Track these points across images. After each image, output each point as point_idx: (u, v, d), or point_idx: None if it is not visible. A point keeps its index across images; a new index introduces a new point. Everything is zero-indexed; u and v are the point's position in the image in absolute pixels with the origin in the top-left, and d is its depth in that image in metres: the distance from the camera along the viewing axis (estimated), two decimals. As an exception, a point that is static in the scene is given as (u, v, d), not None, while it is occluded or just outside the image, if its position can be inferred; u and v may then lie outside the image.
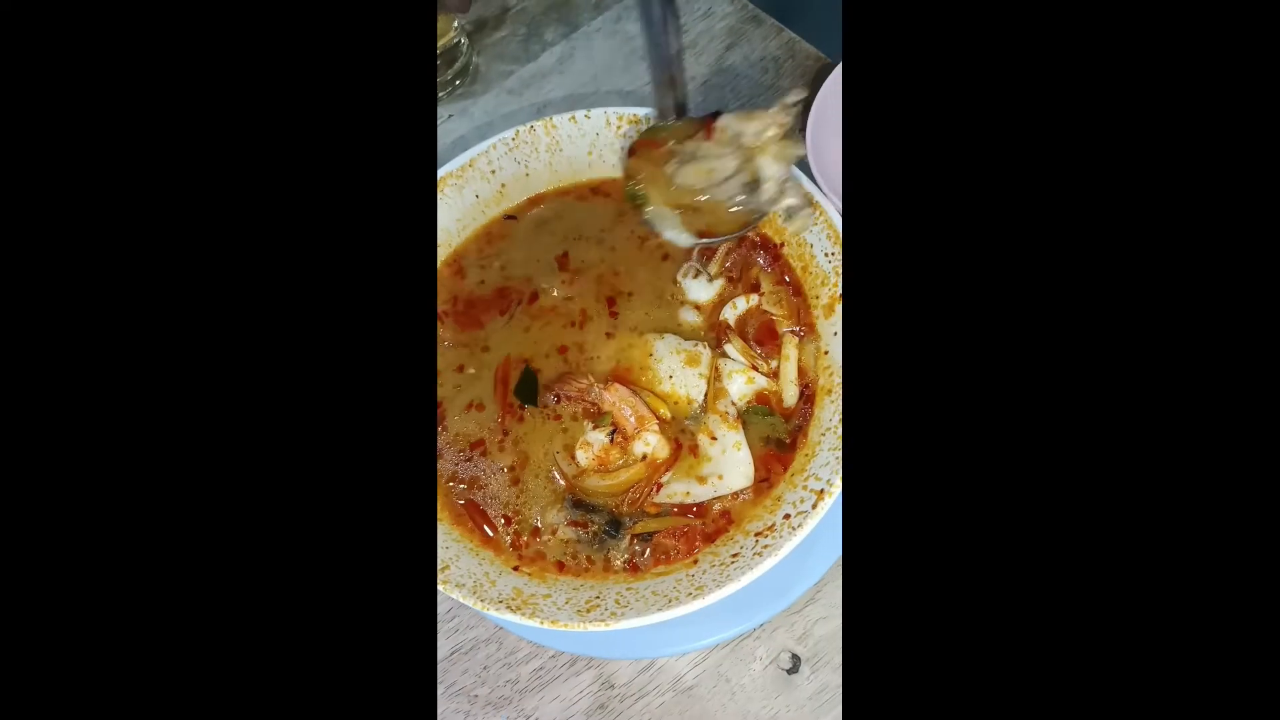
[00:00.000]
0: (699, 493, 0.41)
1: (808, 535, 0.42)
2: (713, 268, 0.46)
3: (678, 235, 0.42)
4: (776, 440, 0.42)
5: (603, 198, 0.50)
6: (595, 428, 0.42)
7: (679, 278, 0.47)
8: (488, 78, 0.63)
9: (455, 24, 0.60)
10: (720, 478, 0.42)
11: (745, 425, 0.43)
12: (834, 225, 0.42)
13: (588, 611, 0.36)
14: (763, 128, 0.41)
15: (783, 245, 0.46)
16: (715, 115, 0.43)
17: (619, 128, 0.48)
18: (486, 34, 0.65)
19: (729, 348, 0.44)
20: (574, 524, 0.40)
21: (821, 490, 0.37)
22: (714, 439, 0.42)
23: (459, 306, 0.47)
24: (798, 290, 0.46)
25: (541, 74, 0.63)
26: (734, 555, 0.38)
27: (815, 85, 0.52)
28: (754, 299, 0.46)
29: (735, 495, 0.41)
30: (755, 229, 0.47)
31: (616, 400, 0.42)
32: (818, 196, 0.43)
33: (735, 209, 0.42)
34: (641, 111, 0.47)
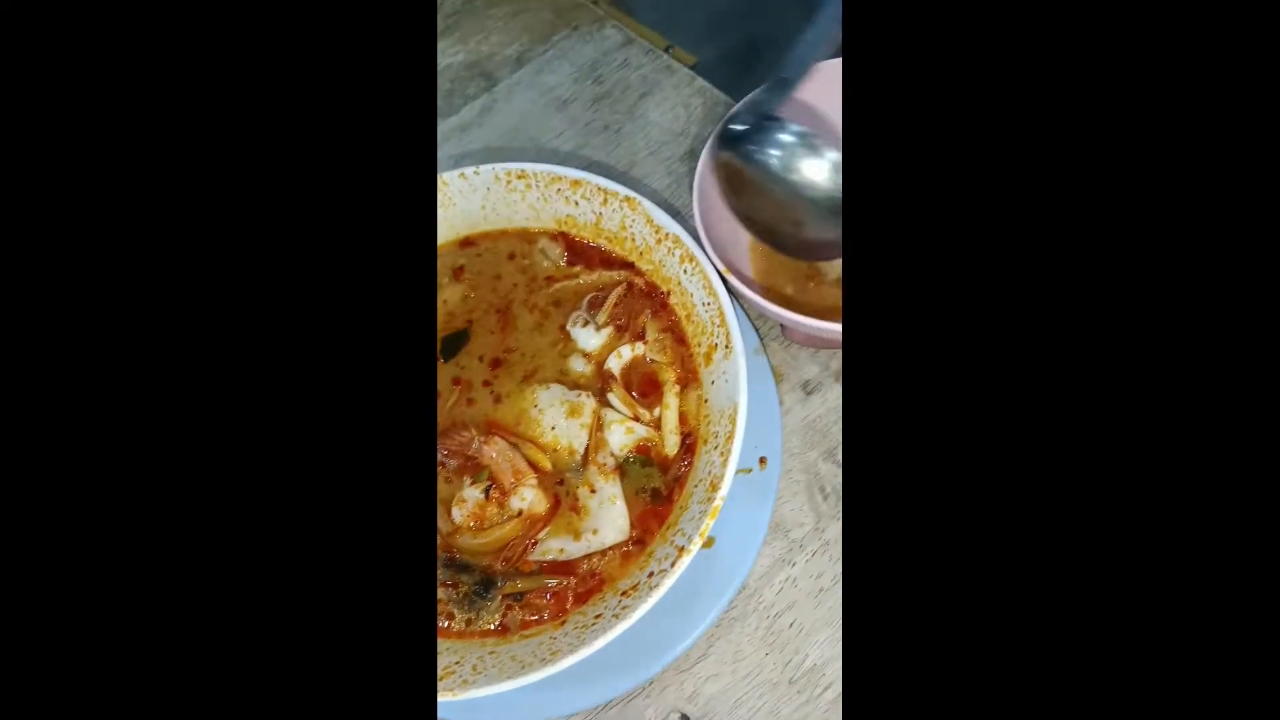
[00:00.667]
0: (573, 549, 0.40)
1: (691, 588, 0.42)
2: (601, 316, 0.46)
3: None
4: (653, 491, 0.42)
5: (492, 242, 0.50)
6: (473, 483, 0.42)
7: (568, 326, 0.47)
8: (410, 131, 0.64)
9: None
10: (595, 533, 0.41)
11: (623, 476, 0.42)
12: (709, 277, 0.42)
13: (442, 679, 0.35)
14: None
15: (669, 294, 0.46)
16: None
17: (508, 182, 0.48)
18: (410, 89, 0.66)
19: (611, 397, 0.44)
20: (444, 584, 0.40)
21: (683, 547, 0.36)
22: (593, 491, 0.42)
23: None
24: (681, 339, 0.45)
25: (462, 127, 0.64)
26: (597, 616, 0.37)
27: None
28: (639, 347, 0.45)
29: (606, 552, 0.40)
30: (643, 276, 0.48)
31: (495, 454, 0.42)
32: (694, 250, 0.43)
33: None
34: (529, 167, 0.48)
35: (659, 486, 0.42)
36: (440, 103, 0.65)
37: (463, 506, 0.41)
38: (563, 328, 0.47)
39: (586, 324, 0.46)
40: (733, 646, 0.44)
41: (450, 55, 0.68)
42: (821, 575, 0.45)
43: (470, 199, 0.49)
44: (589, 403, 0.44)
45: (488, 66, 0.67)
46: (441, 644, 0.38)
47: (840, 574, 0.45)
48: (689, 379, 0.44)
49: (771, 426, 0.46)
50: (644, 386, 0.45)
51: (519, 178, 0.48)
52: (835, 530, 0.46)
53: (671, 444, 0.43)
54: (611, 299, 0.46)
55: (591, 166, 0.60)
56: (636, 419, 0.43)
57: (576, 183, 0.47)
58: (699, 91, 0.63)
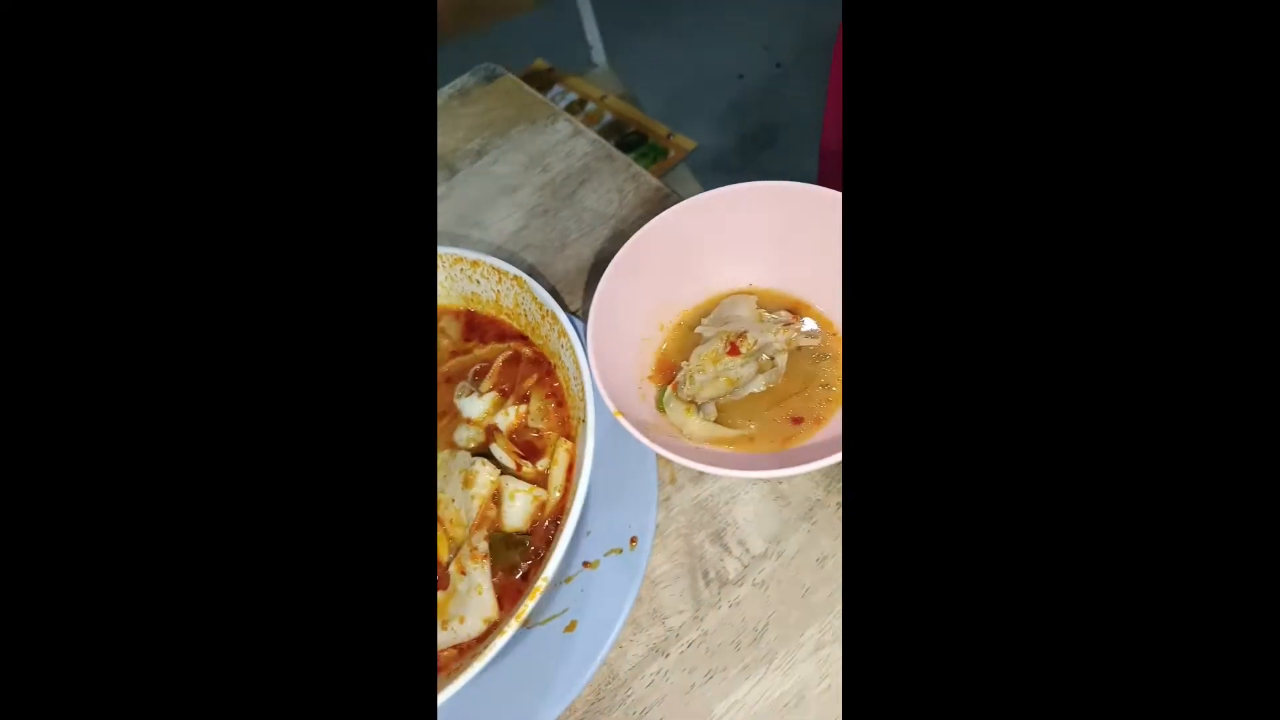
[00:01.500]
0: (440, 639, 0.39)
1: (549, 667, 0.40)
2: (485, 384, 0.47)
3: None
4: (513, 568, 0.41)
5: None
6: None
7: (454, 398, 0.48)
8: (376, 218, 0.70)
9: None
10: (461, 620, 0.40)
11: (492, 557, 0.41)
12: (576, 353, 0.43)
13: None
14: (790, 333, 0.45)
15: (555, 366, 0.47)
16: (743, 334, 0.45)
17: (449, 264, 0.51)
18: (380, 181, 0.72)
19: (493, 447, 0.44)
20: None
21: (503, 629, 0.35)
22: (463, 574, 0.41)
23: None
24: (561, 403, 0.46)
25: (422, 213, 0.69)
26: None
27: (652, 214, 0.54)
28: (523, 408, 0.46)
29: (473, 643, 0.39)
30: (531, 346, 0.49)
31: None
32: (567, 327, 0.44)
33: (758, 390, 0.45)
34: (467, 254, 0.50)
35: (516, 562, 0.41)
36: (404, 192, 0.71)
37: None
38: (451, 402, 0.48)
39: (470, 393, 0.47)
40: (597, 743, 0.41)
41: (422, 150, 0.74)
42: (694, 670, 0.42)
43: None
44: (482, 470, 0.44)
45: (451, 159, 0.72)
46: None
47: (713, 668, 0.42)
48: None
49: (647, 504, 0.44)
50: (527, 451, 0.45)
51: (455, 263, 0.51)
52: (714, 619, 0.43)
53: (555, 499, 0.42)
54: (495, 365, 0.48)
55: (527, 248, 0.63)
56: (519, 472, 0.43)
57: (475, 263, 0.49)
58: (633, 178, 0.65)
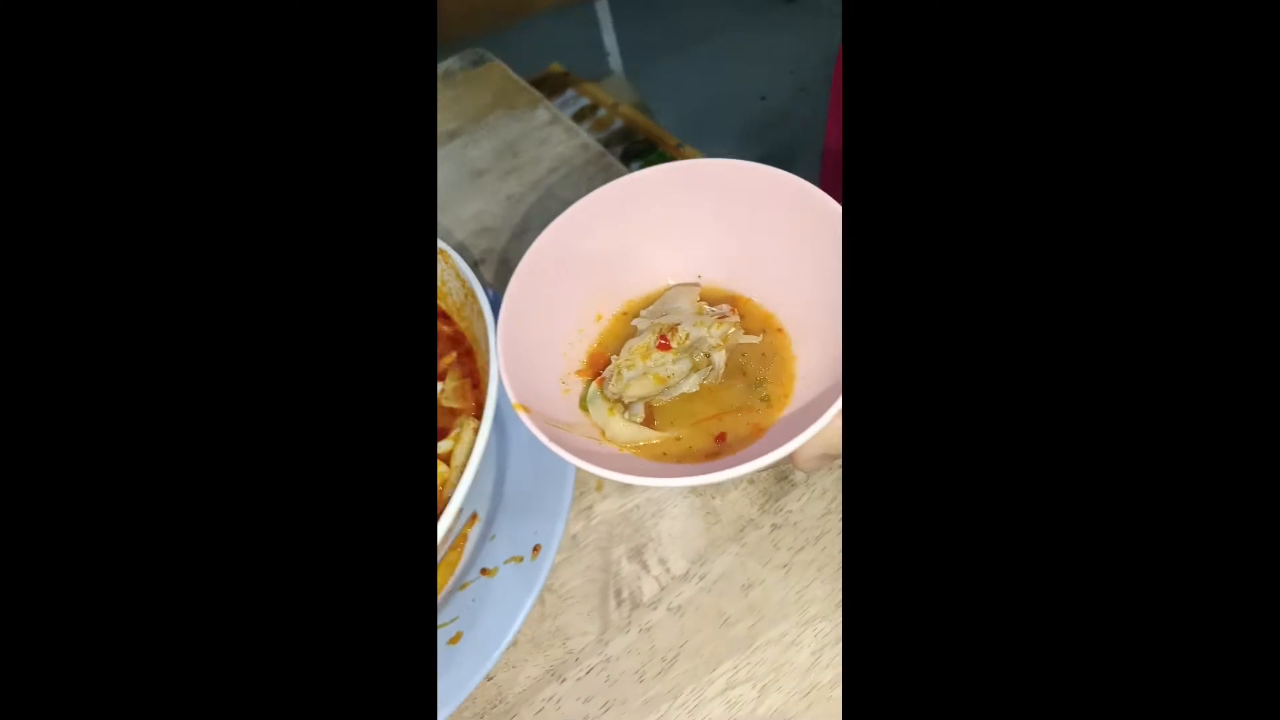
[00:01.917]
0: None
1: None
2: None
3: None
4: None
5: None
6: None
7: None
8: (341, 195, 0.67)
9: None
10: None
11: None
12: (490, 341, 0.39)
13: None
14: (726, 328, 0.40)
15: (474, 352, 0.43)
16: (675, 327, 0.41)
17: None
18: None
19: None
20: None
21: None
22: None
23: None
24: (477, 385, 0.42)
25: (387, 193, 0.66)
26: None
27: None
28: (440, 386, 0.42)
29: None
30: (451, 324, 0.45)
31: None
32: (485, 310, 0.40)
33: (691, 390, 0.40)
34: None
35: None
36: (371, 170, 0.68)
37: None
38: None
39: None
40: (475, 776, 0.36)
41: (397, 131, 0.72)
42: (591, 700, 0.37)
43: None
44: None
45: (424, 141, 0.70)
46: None
47: (611, 700, 0.37)
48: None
49: (557, 512, 0.40)
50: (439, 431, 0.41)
51: None
52: (621, 645, 0.38)
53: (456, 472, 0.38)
54: None
55: (483, 232, 0.60)
56: None
57: (407, 235, 0.46)
58: (604, 169, 0.62)
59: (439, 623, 0.38)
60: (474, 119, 0.70)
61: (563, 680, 0.38)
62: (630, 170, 0.47)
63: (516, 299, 0.40)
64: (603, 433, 0.41)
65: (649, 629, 0.39)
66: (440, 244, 0.44)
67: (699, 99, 1.92)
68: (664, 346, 0.40)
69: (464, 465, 0.38)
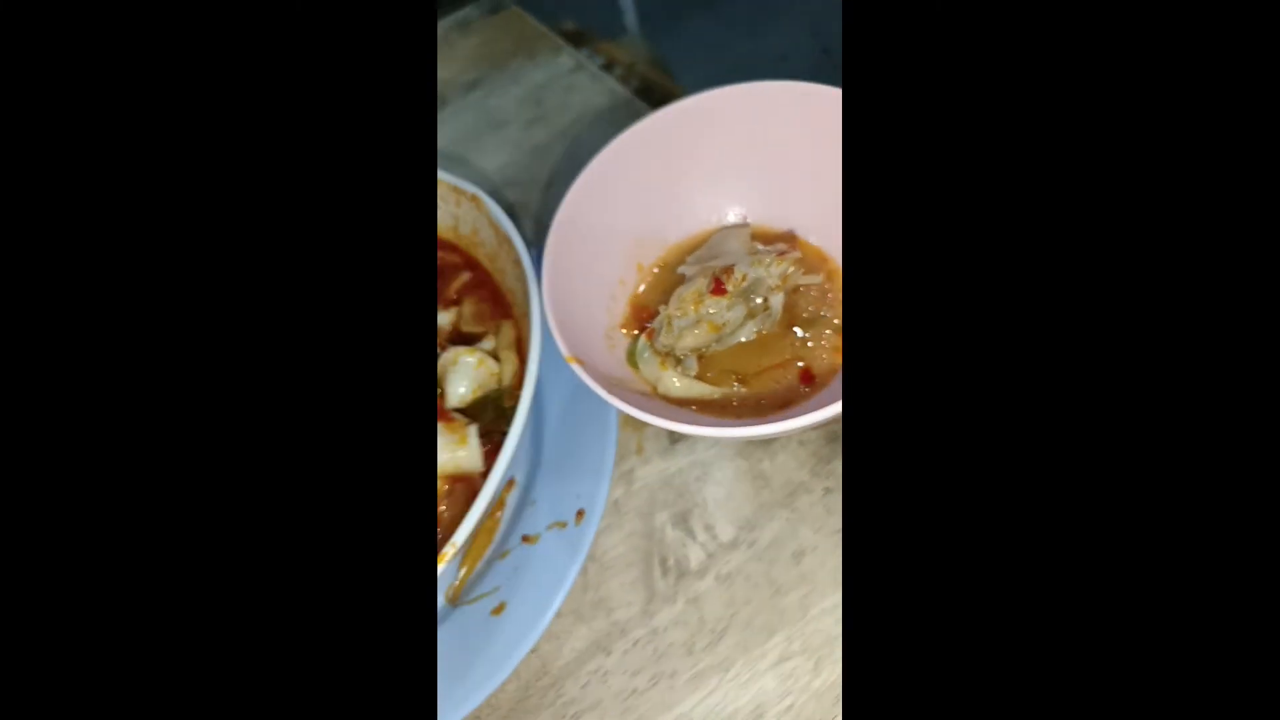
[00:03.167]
0: None
1: (469, 653, 0.34)
2: None
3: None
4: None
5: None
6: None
7: None
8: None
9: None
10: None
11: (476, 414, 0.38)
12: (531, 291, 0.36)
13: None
14: (785, 266, 0.37)
15: (510, 305, 0.41)
16: (729, 269, 0.38)
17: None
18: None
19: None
20: None
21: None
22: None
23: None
24: (499, 302, 0.41)
25: (403, 145, 0.63)
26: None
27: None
28: (453, 311, 0.41)
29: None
30: (459, 253, 0.43)
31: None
32: (524, 259, 0.37)
33: (747, 338, 0.37)
34: (464, 185, 0.44)
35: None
36: (387, 122, 0.65)
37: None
38: None
39: None
40: (519, 747, 0.35)
41: (412, 80, 0.68)
42: (638, 673, 0.35)
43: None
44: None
45: (443, 91, 0.66)
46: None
47: (659, 673, 0.35)
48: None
49: (600, 474, 0.37)
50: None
51: (452, 190, 0.44)
52: (668, 616, 0.36)
53: (508, 361, 0.38)
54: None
55: (510, 185, 0.57)
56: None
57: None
58: (634, 114, 0.58)
59: (480, 592, 0.36)
60: (495, 67, 0.66)
61: (609, 653, 0.36)
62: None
63: (558, 245, 0.37)
64: (654, 388, 0.38)
65: (696, 599, 0.37)
66: (470, 187, 0.41)
67: (716, 59, 1.85)
68: (719, 291, 0.37)
69: (514, 356, 0.37)
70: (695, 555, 0.38)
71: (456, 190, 0.42)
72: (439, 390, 0.38)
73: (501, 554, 0.38)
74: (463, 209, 0.42)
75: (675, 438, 0.41)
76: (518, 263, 0.37)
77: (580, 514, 0.37)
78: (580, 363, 0.34)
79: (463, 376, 0.38)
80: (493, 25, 0.71)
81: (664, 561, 0.38)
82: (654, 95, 0.61)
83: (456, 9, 0.74)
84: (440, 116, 0.64)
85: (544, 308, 0.35)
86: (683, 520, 0.39)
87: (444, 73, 0.67)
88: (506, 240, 0.39)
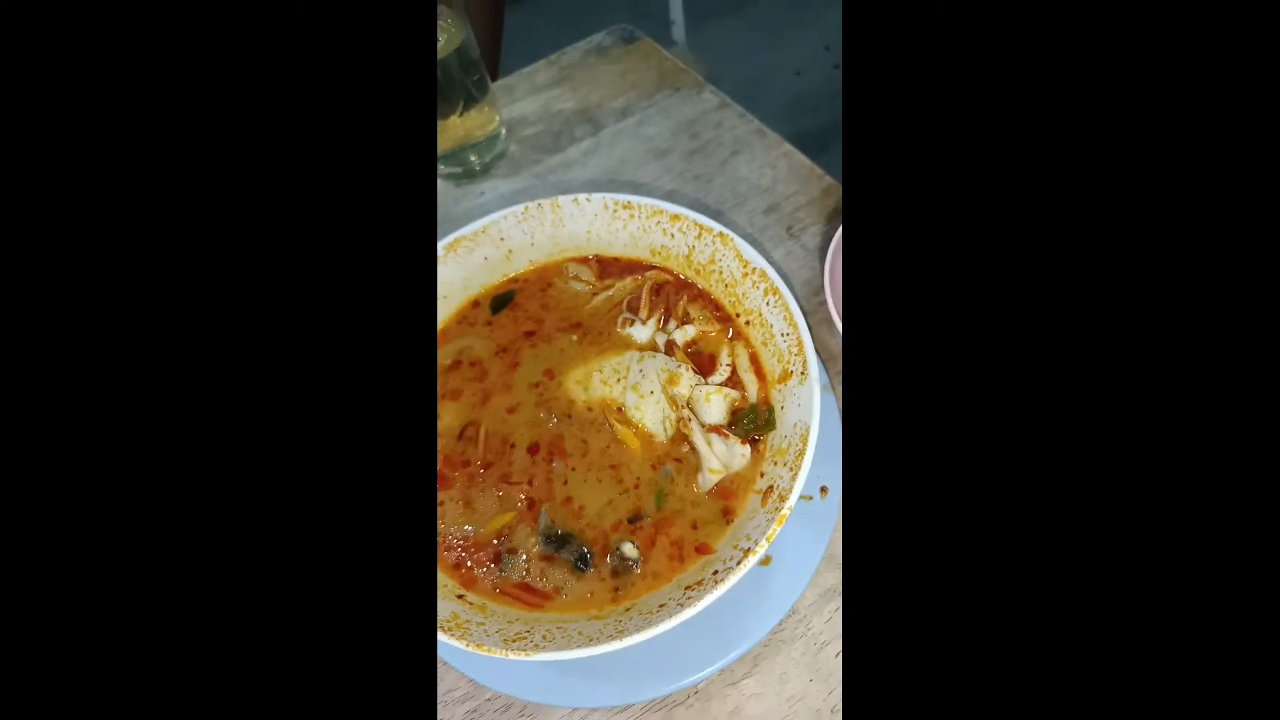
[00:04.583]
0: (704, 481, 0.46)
1: (742, 605, 0.43)
2: (643, 312, 0.52)
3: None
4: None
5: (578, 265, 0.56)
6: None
7: (619, 329, 0.52)
8: (520, 163, 0.71)
9: (497, 118, 0.69)
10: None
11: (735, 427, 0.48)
12: (790, 310, 0.46)
13: (514, 641, 0.37)
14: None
15: (749, 324, 0.50)
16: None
17: (614, 211, 0.53)
18: (524, 127, 0.74)
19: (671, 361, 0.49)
20: (544, 559, 0.43)
21: (749, 549, 0.39)
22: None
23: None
24: (718, 307, 0.52)
25: (567, 164, 0.71)
26: (661, 606, 0.39)
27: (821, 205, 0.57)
28: (689, 330, 0.51)
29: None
30: (672, 273, 0.54)
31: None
32: (778, 284, 0.47)
33: None
34: (636, 199, 0.53)
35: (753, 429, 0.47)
36: (550, 141, 0.72)
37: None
38: (614, 333, 0.52)
39: (633, 322, 0.52)
40: (778, 669, 0.45)
41: (562, 102, 0.76)
42: (870, 609, 0.46)
43: (578, 222, 0.54)
44: (686, 375, 0.48)
45: (595, 115, 0.74)
46: (518, 613, 0.41)
47: (888, 610, 0.46)
48: (736, 336, 0.51)
49: (834, 459, 0.48)
50: (700, 364, 0.50)
51: (625, 208, 0.53)
52: (887, 567, 0.47)
53: (750, 383, 0.48)
54: (645, 295, 0.53)
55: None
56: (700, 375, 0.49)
57: (675, 217, 0.52)
58: (785, 155, 0.68)
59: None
60: (643, 96, 0.75)
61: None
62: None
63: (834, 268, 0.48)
64: None
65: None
66: (722, 228, 0.51)
67: (742, 73, 1.95)
68: None
69: (754, 380, 0.47)
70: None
71: (701, 226, 0.51)
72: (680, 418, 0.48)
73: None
74: (701, 242, 0.52)
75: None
76: (771, 290, 0.47)
77: (824, 490, 0.47)
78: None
79: (714, 408, 0.47)
80: (630, 55, 0.79)
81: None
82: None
83: (536, 38, 0.81)
84: (600, 138, 0.72)
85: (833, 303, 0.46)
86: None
87: (594, 96, 0.75)
88: (757, 271, 0.48)
